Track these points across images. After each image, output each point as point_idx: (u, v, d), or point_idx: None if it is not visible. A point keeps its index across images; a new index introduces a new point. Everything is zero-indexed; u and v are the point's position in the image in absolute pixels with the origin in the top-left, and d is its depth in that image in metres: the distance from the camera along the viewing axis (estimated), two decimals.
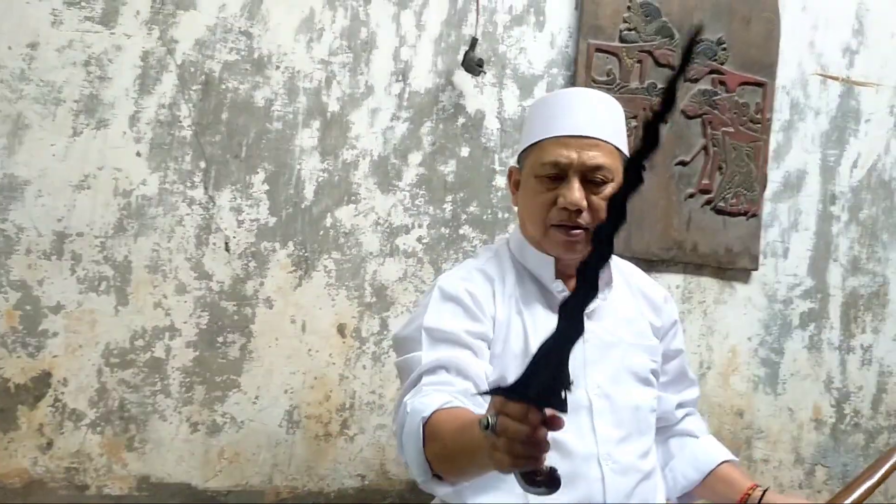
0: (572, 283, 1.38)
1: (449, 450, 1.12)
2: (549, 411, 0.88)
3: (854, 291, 2.45)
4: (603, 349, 1.40)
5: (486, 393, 0.97)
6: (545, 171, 1.36)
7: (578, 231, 1.35)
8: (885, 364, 2.48)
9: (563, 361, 0.87)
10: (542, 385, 0.87)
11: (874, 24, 2.48)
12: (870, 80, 2.49)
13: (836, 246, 2.44)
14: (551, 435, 0.90)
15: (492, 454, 0.93)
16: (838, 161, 2.45)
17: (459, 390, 1.23)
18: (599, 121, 1.37)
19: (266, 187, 1.86)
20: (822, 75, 2.43)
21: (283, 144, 1.88)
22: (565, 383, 0.86)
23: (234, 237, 1.83)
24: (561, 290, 1.40)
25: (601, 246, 0.84)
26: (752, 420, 2.33)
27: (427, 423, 1.15)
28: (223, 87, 1.83)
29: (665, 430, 1.54)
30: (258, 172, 1.86)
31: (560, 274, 1.41)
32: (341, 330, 1.92)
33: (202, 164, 1.81)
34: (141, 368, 1.76)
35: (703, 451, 1.53)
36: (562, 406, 0.87)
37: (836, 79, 2.44)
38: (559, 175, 1.35)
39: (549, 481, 0.92)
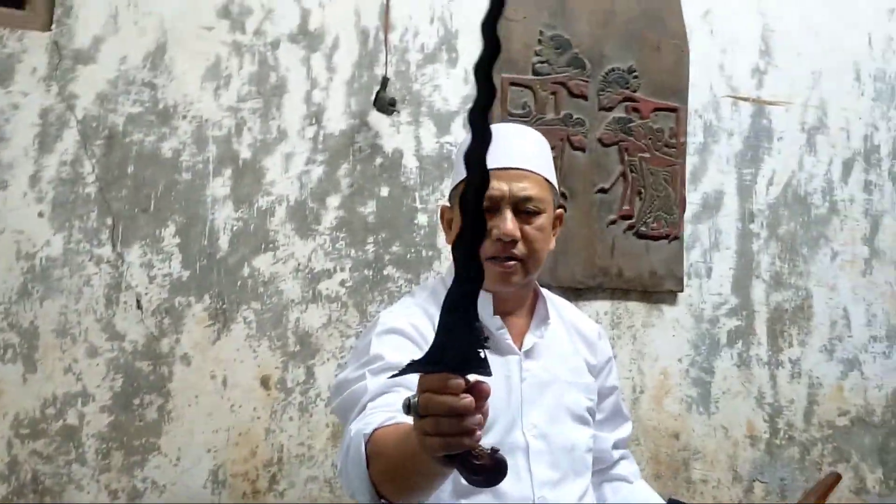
0: (510, 319, 1.38)
1: (392, 463, 1.06)
2: (472, 377, 0.83)
3: (778, 306, 2.49)
4: (540, 388, 1.38)
5: (401, 373, 0.88)
6: None
7: (513, 262, 1.34)
8: (814, 376, 2.52)
9: (471, 318, 0.82)
10: (457, 349, 0.82)
11: (780, 44, 2.55)
12: (779, 98, 2.55)
13: (757, 263, 2.48)
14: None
15: (423, 442, 0.85)
16: (754, 179, 2.50)
17: None
18: (527, 153, 1.38)
19: (177, 240, 1.81)
20: (732, 97, 2.48)
21: (194, 195, 1.84)
22: (479, 341, 0.82)
23: (145, 294, 1.77)
24: (500, 328, 1.38)
25: (485, 85, 0.84)
26: (688, 441, 2.34)
27: (370, 440, 1.09)
28: (127, 140, 1.78)
29: (600, 472, 1.52)
30: (168, 225, 1.81)
31: (497, 311, 1.40)
32: (265, 382, 1.87)
33: (109, 221, 1.76)
34: (53, 438, 1.69)
35: (636, 498, 1.52)
36: (483, 367, 0.82)
37: (746, 100, 2.50)
38: (491, 207, 1.34)
39: (491, 464, 0.83)
